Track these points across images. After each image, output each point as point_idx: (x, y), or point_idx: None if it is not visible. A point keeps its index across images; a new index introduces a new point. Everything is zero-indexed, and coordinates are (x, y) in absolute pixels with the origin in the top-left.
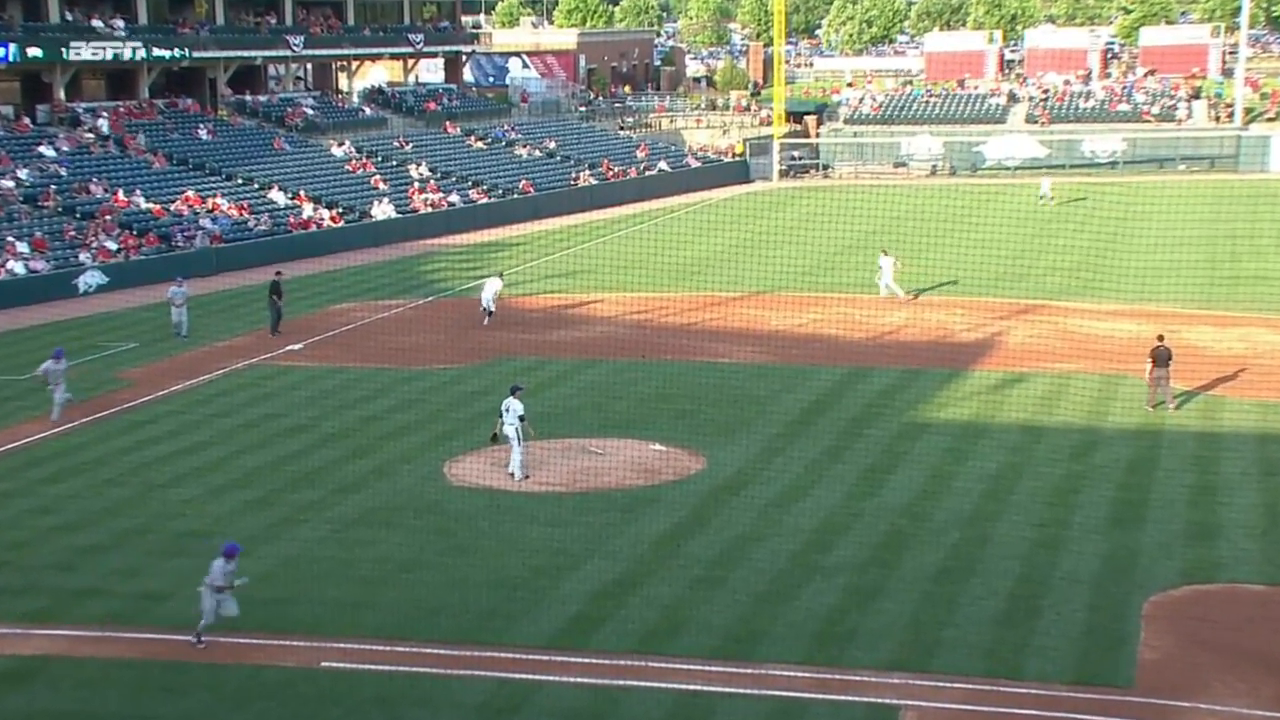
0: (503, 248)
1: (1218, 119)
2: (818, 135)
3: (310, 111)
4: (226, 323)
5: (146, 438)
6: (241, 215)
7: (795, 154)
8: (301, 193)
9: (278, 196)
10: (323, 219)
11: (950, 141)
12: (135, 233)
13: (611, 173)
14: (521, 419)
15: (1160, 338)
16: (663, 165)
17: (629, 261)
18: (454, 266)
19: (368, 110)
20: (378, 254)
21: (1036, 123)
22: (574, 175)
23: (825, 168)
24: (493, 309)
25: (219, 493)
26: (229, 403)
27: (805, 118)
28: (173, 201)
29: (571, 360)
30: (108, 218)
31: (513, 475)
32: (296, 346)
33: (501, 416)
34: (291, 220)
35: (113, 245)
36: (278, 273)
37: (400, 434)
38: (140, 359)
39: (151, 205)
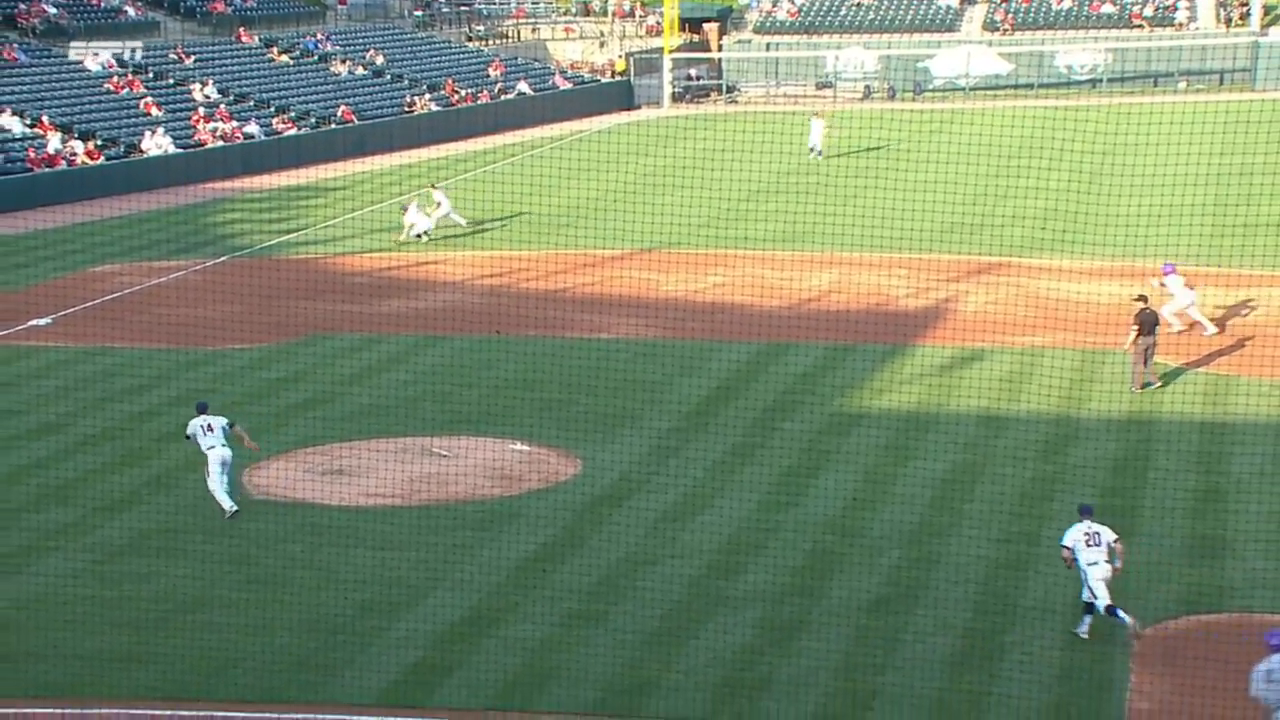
0: (316, 193)
1: (1229, 21)
2: (720, 49)
3: (52, 10)
4: None
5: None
6: None
7: (692, 73)
8: (45, 118)
9: (10, 123)
10: (75, 154)
11: (888, 56)
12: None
13: (457, 97)
14: (231, 425)
15: (1143, 298)
16: (523, 87)
17: (480, 211)
18: (252, 218)
19: (132, 10)
20: (151, 200)
21: (997, 30)
22: (408, 100)
23: (730, 90)
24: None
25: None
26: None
27: (705, 26)
28: None
29: (408, 337)
30: None
31: (230, 507)
32: (43, 321)
33: (199, 442)
34: (31, 155)
35: None
36: None
37: (184, 435)
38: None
39: None
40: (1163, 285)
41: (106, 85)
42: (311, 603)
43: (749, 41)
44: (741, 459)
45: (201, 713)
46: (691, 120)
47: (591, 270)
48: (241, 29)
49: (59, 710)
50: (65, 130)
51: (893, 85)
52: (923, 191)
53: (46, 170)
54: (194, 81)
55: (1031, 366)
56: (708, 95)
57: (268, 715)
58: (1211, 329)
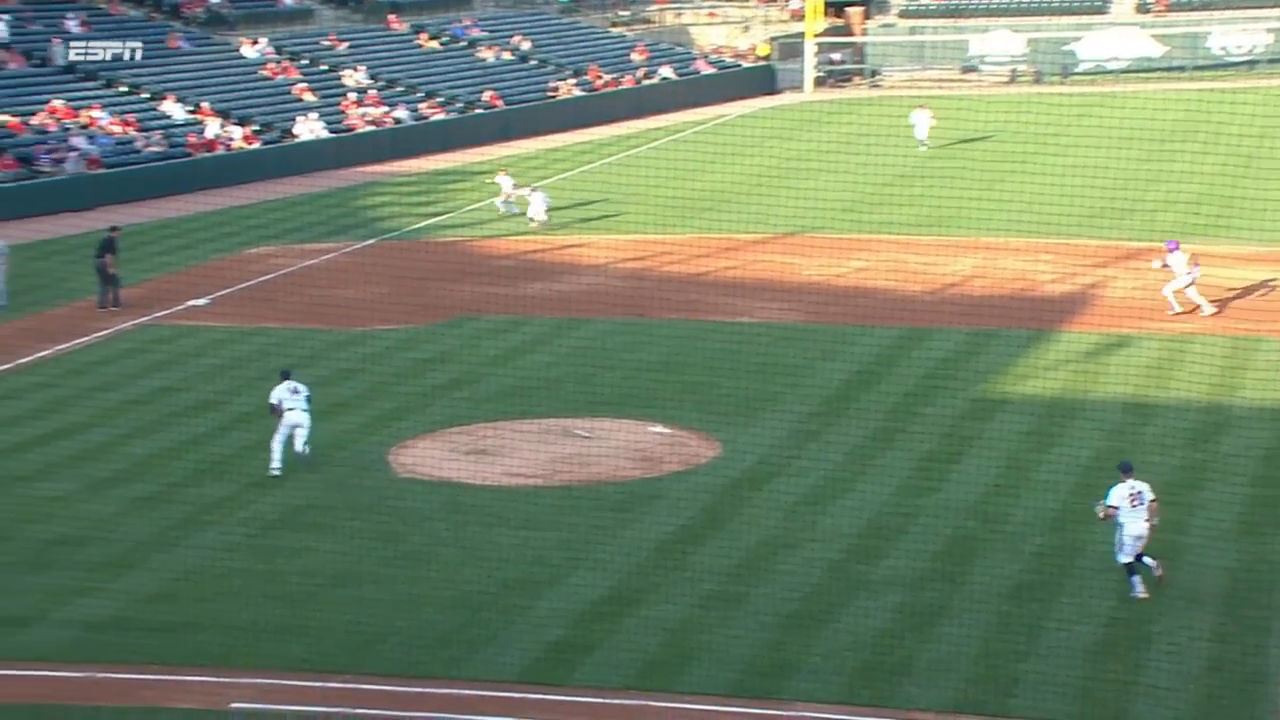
0: (462, 176)
1: None
2: (864, 32)
3: None
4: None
5: (2, 418)
6: (126, 133)
7: (835, 57)
8: (204, 104)
9: (173, 109)
10: (232, 139)
11: (1035, 39)
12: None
13: (601, 81)
14: (309, 400)
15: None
16: (666, 72)
17: (623, 195)
18: (400, 201)
19: None
20: (303, 184)
21: (1149, 12)
22: (553, 85)
23: (873, 74)
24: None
25: (99, 488)
26: (113, 373)
27: (848, 10)
28: (35, 113)
29: (551, 320)
30: None
31: (274, 470)
32: (201, 302)
33: (280, 411)
34: (191, 140)
35: None
36: (113, 228)
37: (334, 413)
38: None
39: (5, 117)
40: (1165, 265)
41: (263, 71)
42: (455, 580)
43: (893, 25)
44: (882, 444)
45: (349, 685)
46: (834, 105)
47: (733, 254)
48: (391, 15)
49: (215, 679)
50: (223, 116)
51: (1039, 69)
52: (1070, 176)
53: (205, 155)
54: (345, 67)
55: (1180, 354)
56: (850, 80)
57: (413, 690)
58: (1209, 309)
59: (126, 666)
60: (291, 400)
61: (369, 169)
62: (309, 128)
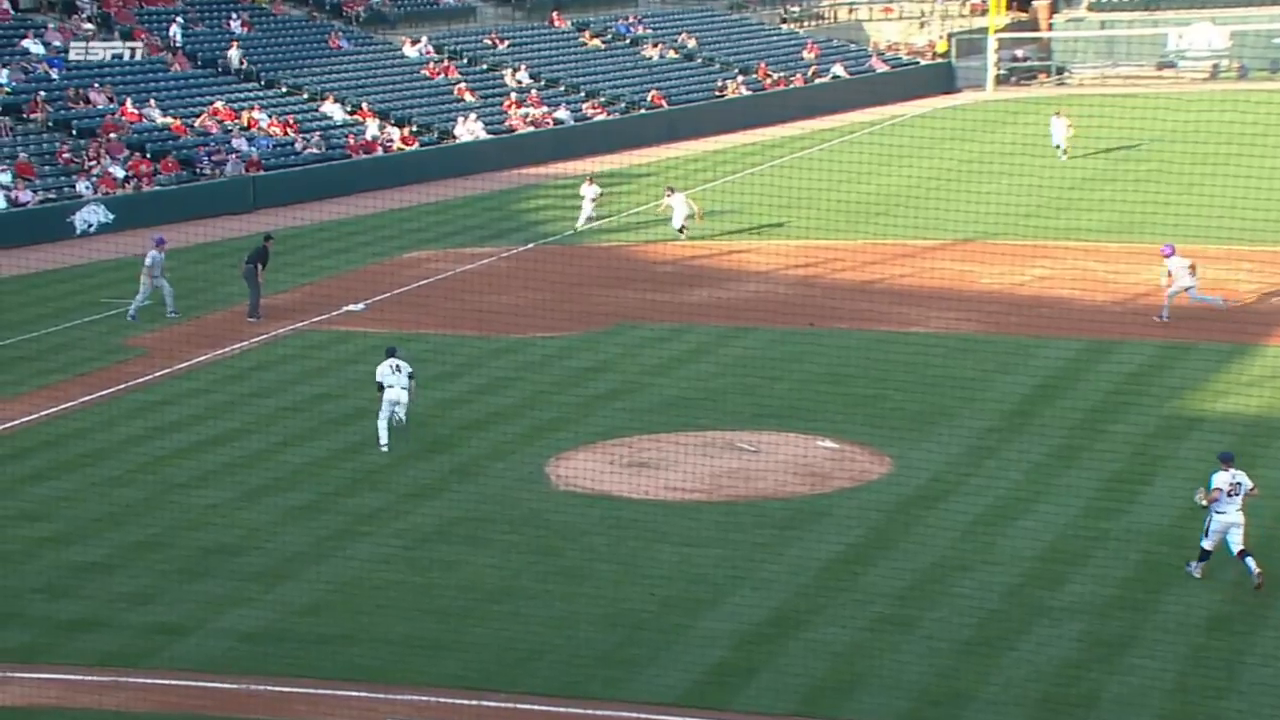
0: (624, 179)
1: None
2: (1050, 27)
3: None
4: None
5: (162, 423)
6: (286, 134)
7: (1018, 53)
8: (364, 105)
9: (333, 110)
10: (391, 140)
11: (1240, 31)
12: (148, 156)
13: (770, 80)
14: (411, 377)
15: None
16: (838, 70)
17: (792, 199)
18: (561, 204)
19: None
20: (462, 186)
21: None
22: (720, 84)
23: (1060, 71)
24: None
25: (255, 496)
26: (269, 379)
27: (1033, 4)
28: (197, 116)
29: (715, 328)
30: (112, 136)
31: (381, 448)
32: (358, 307)
33: (385, 390)
34: (351, 141)
35: (119, 172)
36: (267, 237)
37: (491, 423)
38: (155, 321)
39: (169, 120)
40: (1170, 274)
41: (423, 71)
42: (614, 597)
43: (1082, 19)
44: (1064, 462)
45: (505, 704)
46: (1017, 104)
47: (906, 261)
48: (555, 13)
49: (369, 694)
50: (383, 117)
51: (1244, 64)
52: (1276, 179)
53: (364, 156)
54: (506, 67)
55: None
56: (1035, 78)
57: (572, 710)
58: (1221, 304)
59: (280, 679)
60: (392, 378)
61: (529, 171)
62: (469, 129)
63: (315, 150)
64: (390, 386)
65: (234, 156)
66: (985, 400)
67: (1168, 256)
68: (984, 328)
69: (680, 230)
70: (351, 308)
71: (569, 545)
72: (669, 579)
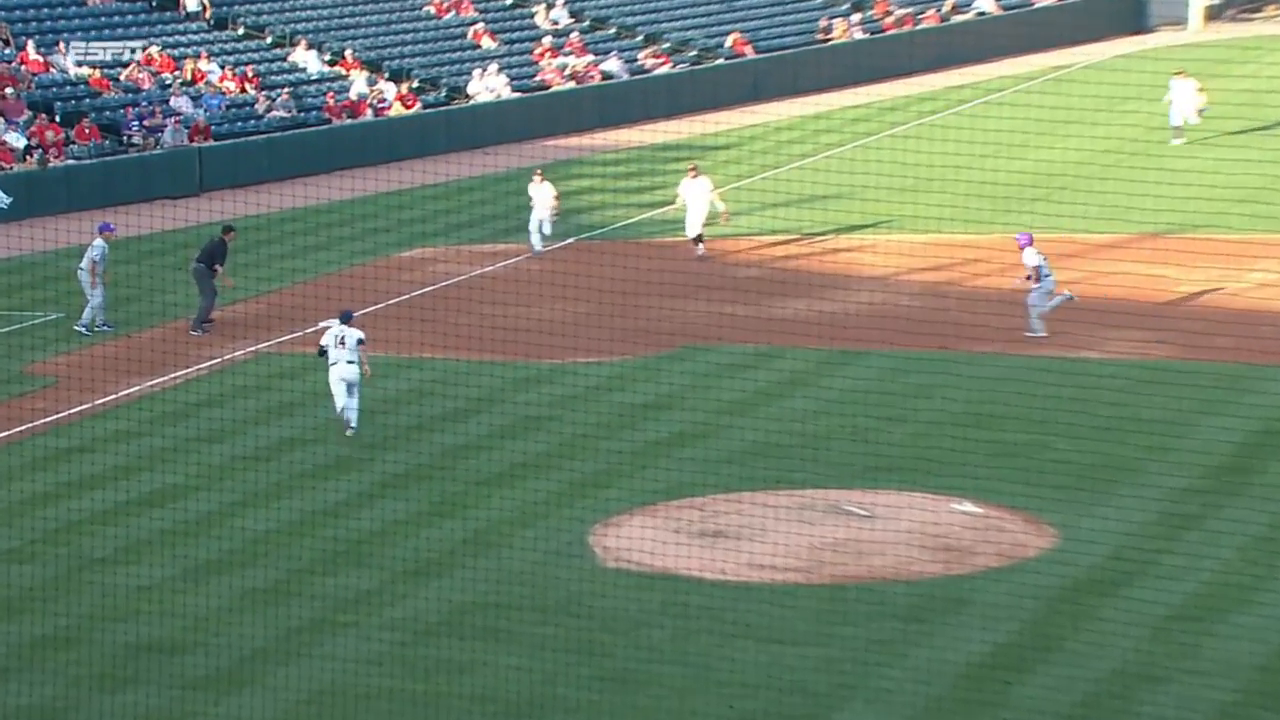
0: (693, 153)
1: None
2: None
3: None
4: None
5: (77, 478)
6: (244, 91)
7: None
8: (348, 54)
9: (307, 59)
10: (384, 100)
11: None
12: (58, 119)
13: (891, 19)
14: (361, 342)
15: None
16: (985, 4)
17: (918, 180)
18: (608, 186)
19: None
20: (477, 163)
21: None
22: (824, 23)
23: None
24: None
25: (201, 575)
26: (220, 419)
27: None
28: (125, 65)
29: (814, 352)
30: (8, 92)
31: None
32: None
33: (329, 355)
34: (330, 102)
35: (17, 140)
36: (227, 229)
37: (517, 476)
38: (68, 341)
39: (86, 70)
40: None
41: (427, 9)
42: (680, 710)
43: None
44: None
45: None
46: (1232, 47)
47: (1074, 262)
48: None
49: None
50: (373, 69)
51: None
52: None
53: (348, 122)
54: (538, 3)
55: None
56: (1261, 10)
57: None
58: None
59: None
60: (336, 352)
61: (566, 142)
62: (487, 85)
63: (282, 113)
64: (335, 363)
65: (174, 121)
66: (1183, 451)
67: (1024, 247)
68: (1182, 353)
69: (697, 240)
70: (331, 324)
71: (620, 641)
72: (753, 688)
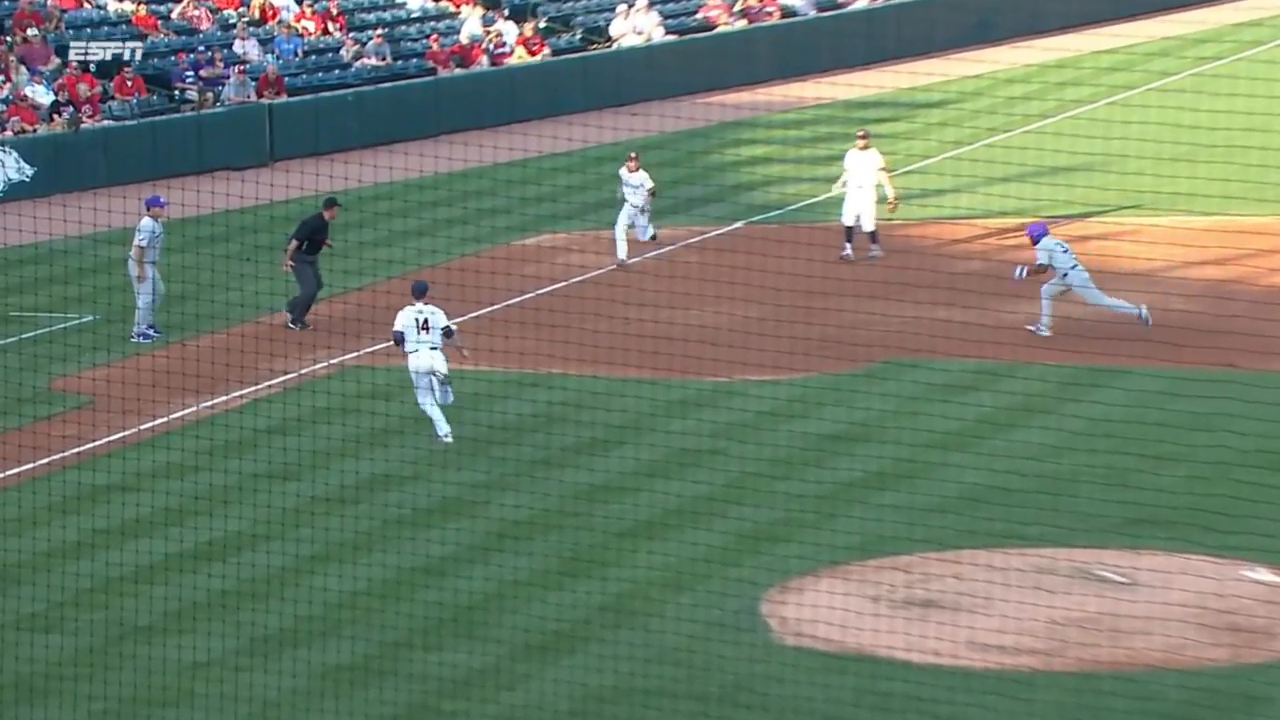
0: (897, 110)
1: None
2: None
3: None
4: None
5: (115, 524)
6: (326, 33)
7: None
8: None
9: None
10: (504, 44)
11: None
12: (93, 69)
13: None
14: (448, 334)
15: None
16: None
17: (1194, 146)
18: (785, 155)
19: None
20: (622, 125)
21: None
22: None
23: None
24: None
25: (269, 648)
26: (293, 450)
27: None
28: (178, 0)
29: (1052, 368)
30: (31, 34)
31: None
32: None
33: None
34: (435, 47)
35: (43, 96)
36: (330, 205)
37: (671, 525)
38: (105, 349)
39: (129, 6)
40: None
41: None
42: None
43: None
44: None
45: None
46: None
47: None
48: None
49: None
50: (489, 5)
51: None
52: None
53: (458, 73)
54: None
55: None
56: None
57: None
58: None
59: None
60: (415, 340)
61: (734, 98)
62: (634, 26)
63: (374, 61)
64: (415, 350)
65: (238, 71)
66: None
67: (1037, 240)
68: None
69: (871, 238)
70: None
71: None
72: None
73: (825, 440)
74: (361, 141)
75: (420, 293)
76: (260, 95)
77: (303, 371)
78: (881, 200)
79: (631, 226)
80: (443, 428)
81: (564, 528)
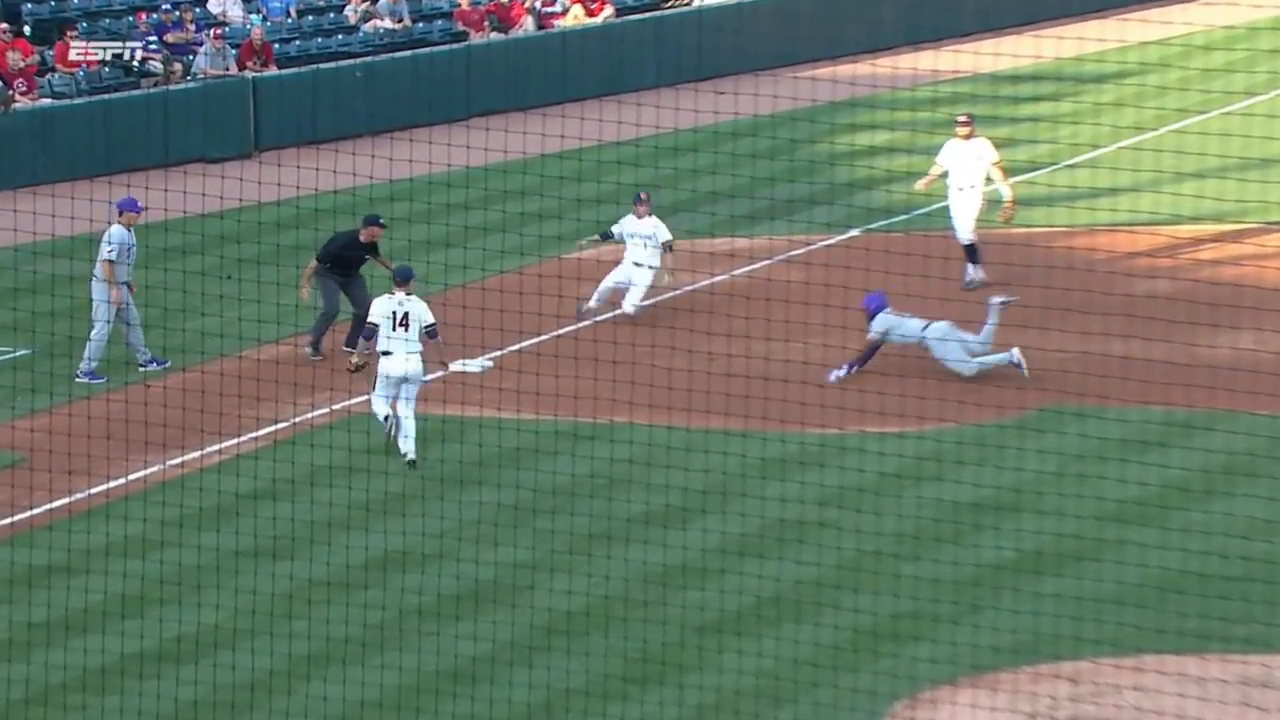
0: (1054, 85)
1: None
2: None
3: None
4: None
5: (57, 615)
6: None
7: None
8: None
9: None
10: (554, 1)
11: None
12: (27, 32)
13: None
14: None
15: None
16: None
17: None
18: (914, 143)
19: None
20: (705, 105)
21: None
22: None
23: None
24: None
25: None
26: (283, 520)
27: None
28: None
29: (1271, 421)
30: None
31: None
32: (474, 366)
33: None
34: (465, 5)
35: None
36: (371, 223)
37: (766, 619)
38: (44, 390)
39: None
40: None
41: None
42: None
43: None
44: None
45: None
46: None
47: None
48: None
49: None
50: None
51: None
52: None
53: (494, 38)
54: None
55: None
56: None
57: None
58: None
59: None
60: (393, 336)
61: (847, 69)
62: None
63: (388, 23)
64: (389, 353)
65: (213, 35)
66: None
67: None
68: None
69: (970, 254)
70: (465, 365)
71: None
72: None
73: (966, 510)
74: (371, 127)
75: (404, 279)
76: (243, 67)
77: (297, 419)
78: (996, 202)
79: (623, 286)
80: (405, 444)
81: (629, 620)
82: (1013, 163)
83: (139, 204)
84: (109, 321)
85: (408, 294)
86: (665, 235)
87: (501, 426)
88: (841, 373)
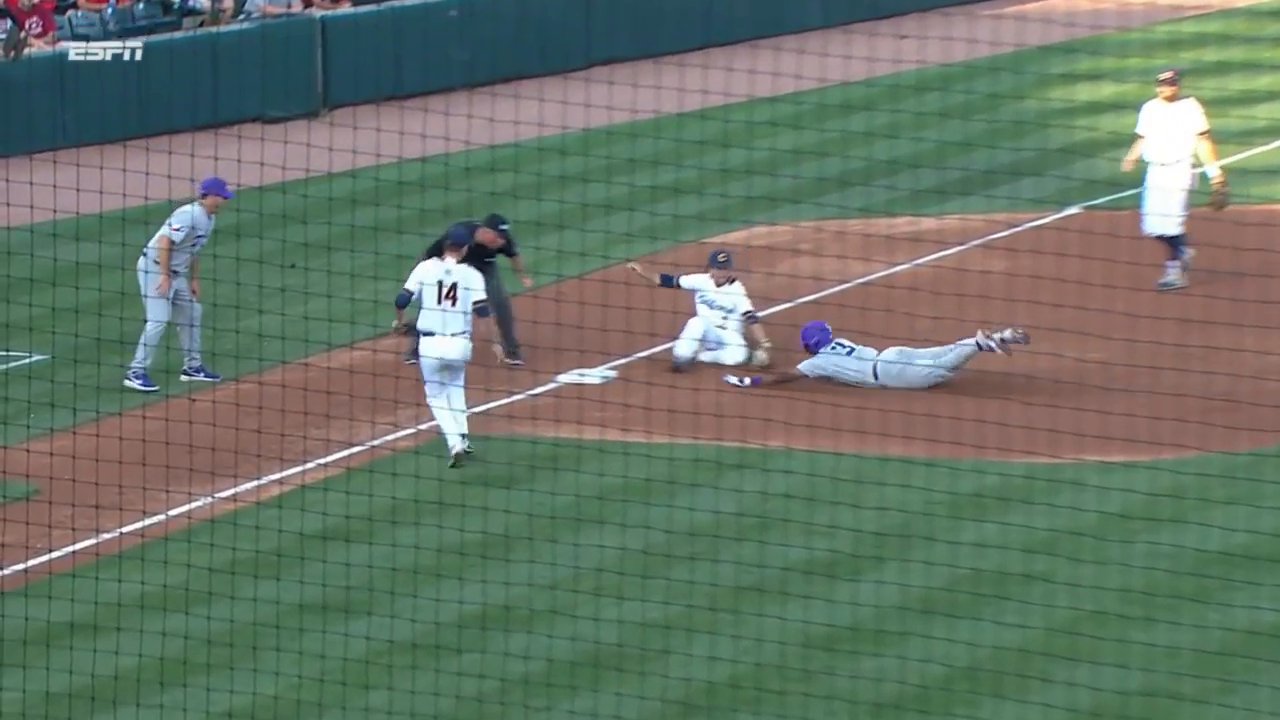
0: None
1: None
2: None
3: None
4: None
5: (80, 684)
6: None
7: None
8: None
9: None
10: None
11: None
12: None
13: None
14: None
15: None
16: None
17: None
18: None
19: None
20: (882, 52)
21: None
22: None
23: None
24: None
25: None
26: (357, 565)
27: None
28: None
29: None
30: None
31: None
32: (594, 377)
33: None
34: None
35: None
36: (494, 222)
37: (955, 696)
38: (66, 405)
39: None
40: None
41: None
42: None
43: None
44: None
45: None
46: None
47: None
48: None
49: None
50: None
51: None
52: None
53: None
54: None
55: None
56: None
57: None
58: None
59: None
60: (433, 315)
61: (1062, 3)
62: None
63: None
64: (431, 333)
65: None
66: None
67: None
68: None
69: (1173, 246)
70: (584, 375)
71: None
72: None
73: (1214, 561)
74: (467, 80)
75: (459, 243)
76: (309, 4)
77: (374, 443)
78: (1203, 181)
79: (708, 345)
80: (454, 440)
81: (787, 695)
82: (1275, 121)
83: (228, 187)
84: (161, 320)
85: (458, 261)
86: (745, 305)
87: (627, 452)
88: (742, 383)
